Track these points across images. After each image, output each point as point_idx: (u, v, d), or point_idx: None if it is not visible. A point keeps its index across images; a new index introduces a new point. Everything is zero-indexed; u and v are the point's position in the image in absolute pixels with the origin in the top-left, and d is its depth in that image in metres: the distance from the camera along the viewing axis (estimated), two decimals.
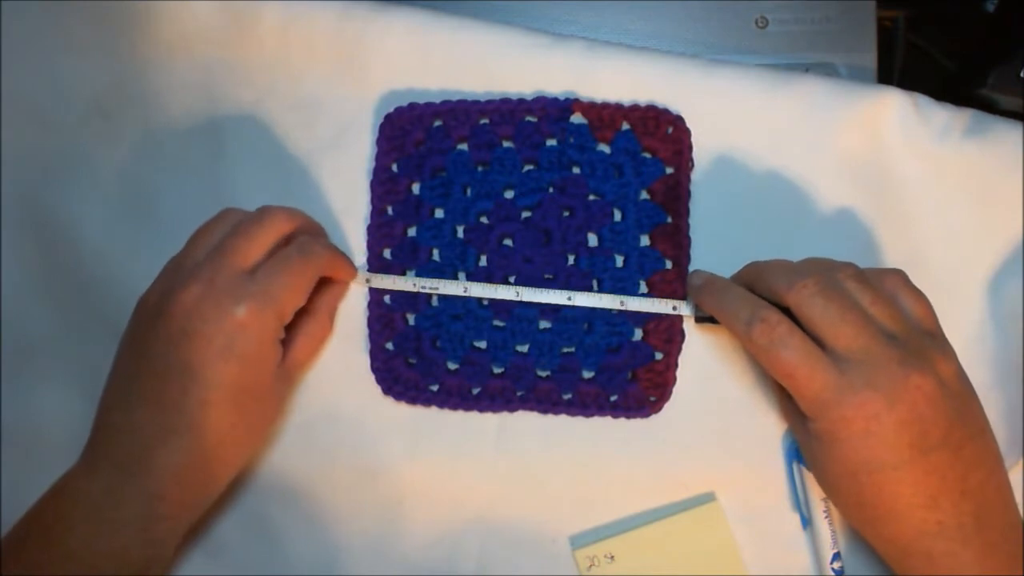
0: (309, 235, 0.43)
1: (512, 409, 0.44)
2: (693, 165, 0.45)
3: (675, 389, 0.44)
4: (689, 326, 0.44)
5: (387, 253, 0.45)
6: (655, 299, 0.44)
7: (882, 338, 0.35)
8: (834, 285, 0.37)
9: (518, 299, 0.44)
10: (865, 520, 0.37)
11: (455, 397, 0.44)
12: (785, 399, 0.41)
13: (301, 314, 0.41)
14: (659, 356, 0.44)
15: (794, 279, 0.37)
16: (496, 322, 0.45)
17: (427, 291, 0.44)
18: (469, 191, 0.45)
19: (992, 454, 0.37)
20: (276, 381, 0.40)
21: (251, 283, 0.38)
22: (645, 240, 0.45)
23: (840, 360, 0.35)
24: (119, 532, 0.36)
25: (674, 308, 0.44)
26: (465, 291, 0.44)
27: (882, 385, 0.35)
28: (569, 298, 0.44)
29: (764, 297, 0.39)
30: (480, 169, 0.45)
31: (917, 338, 0.36)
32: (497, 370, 0.45)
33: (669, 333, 0.44)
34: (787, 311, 0.37)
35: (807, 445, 0.38)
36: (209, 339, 0.37)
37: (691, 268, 0.45)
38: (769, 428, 0.44)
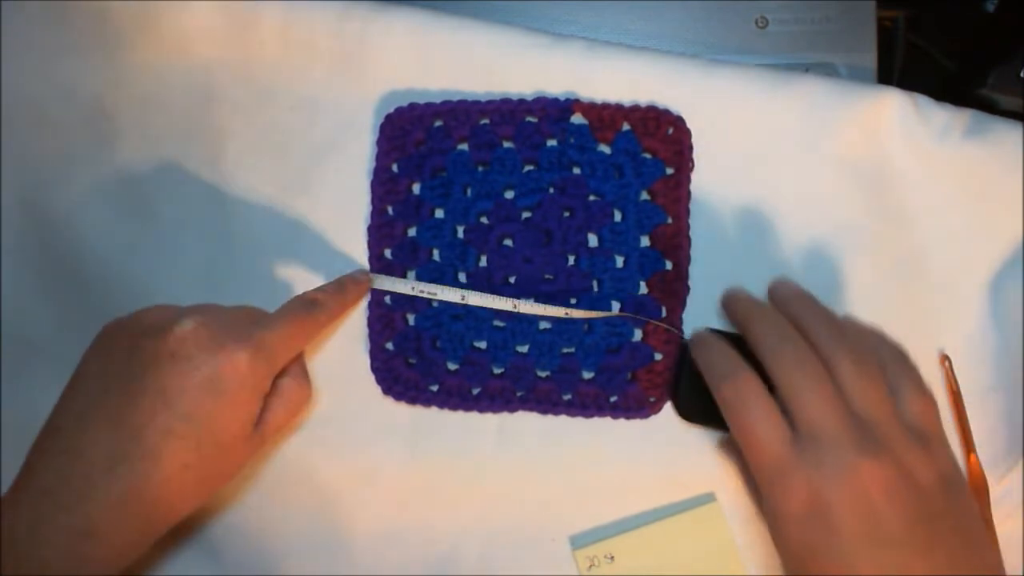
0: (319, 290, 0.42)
1: (512, 409, 0.44)
2: (693, 165, 0.45)
3: None
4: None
5: (388, 253, 0.45)
6: (655, 320, 0.44)
7: (845, 418, 0.34)
8: (814, 355, 0.36)
9: (515, 311, 0.44)
10: None
11: (455, 397, 0.44)
12: (747, 471, 0.39)
13: (278, 376, 0.39)
14: (659, 357, 0.44)
15: (775, 340, 0.36)
16: (496, 322, 0.45)
17: (425, 296, 0.44)
18: (469, 191, 0.45)
19: (982, 565, 0.34)
20: (245, 441, 0.38)
21: (253, 328, 0.37)
22: (645, 241, 0.45)
23: (797, 433, 0.34)
24: (41, 571, 0.33)
25: (668, 328, 0.44)
26: (463, 299, 0.44)
27: (829, 465, 0.33)
28: (567, 313, 0.44)
29: (751, 343, 0.38)
30: (480, 169, 0.45)
31: (898, 430, 0.34)
32: (497, 370, 0.45)
33: (669, 334, 0.44)
34: None
35: (766, 521, 0.36)
36: (196, 367, 0.35)
37: (691, 268, 0.45)
38: None
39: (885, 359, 0.37)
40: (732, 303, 0.41)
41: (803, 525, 0.33)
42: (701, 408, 0.39)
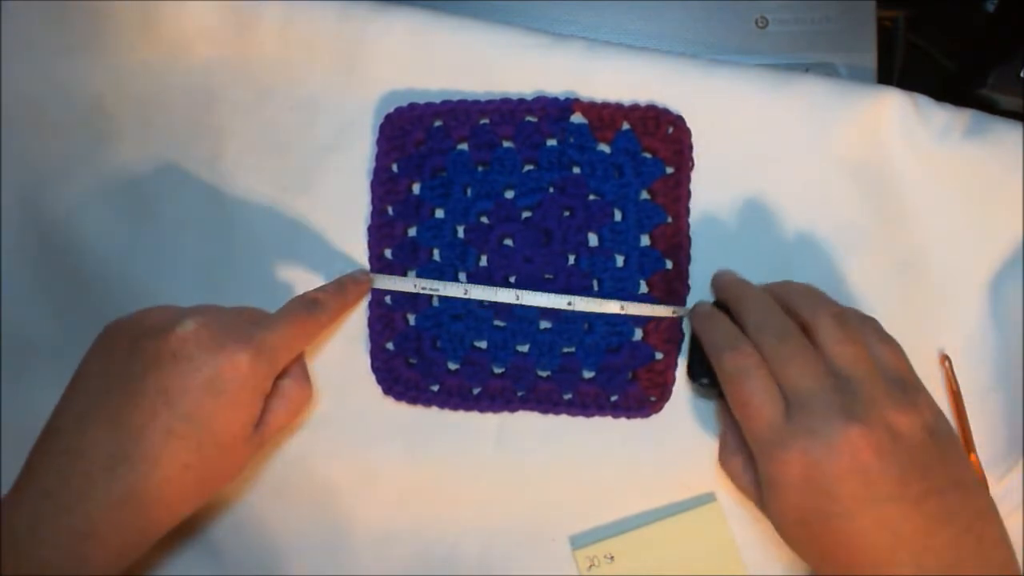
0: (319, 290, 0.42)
1: (512, 409, 0.44)
2: (693, 165, 0.45)
3: (675, 389, 0.44)
4: (689, 326, 0.44)
5: (388, 253, 0.45)
6: (656, 305, 0.44)
7: (829, 383, 0.35)
8: (797, 328, 0.37)
9: (518, 302, 0.44)
10: (825, 569, 0.36)
11: (455, 397, 0.44)
12: (738, 446, 0.40)
13: (278, 377, 0.39)
14: (659, 356, 0.44)
15: (760, 316, 0.38)
16: (496, 322, 0.45)
17: (427, 292, 0.44)
18: (469, 191, 0.45)
19: (972, 509, 0.35)
20: (245, 442, 0.38)
21: (254, 329, 0.37)
22: (645, 240, 0.45)
23: (789, 402, 0.35)
24: (42, 571, 0.33)
25: (674, 312, 0.44)
26: (465, 293, 0.44)
27: (821, 433, 0.34)
28: (569, 303, 0.44)
29: (738, 320, 0.39)
30: (480, 169, 0.45)
31: (882, 387, 0.35)
32: (497, 370, 0.45)
33: (669, 333, 0.44)
34: None
35: (760, 494, 0.37)
36: (197, 368, 0.35)
37: (691, 268, 0.45)
38: None
39: (847, 316, 0.38)
40: (721, 283, 0.43)
41: (801, 492, 0.34)
42: (709, 375, 0.40)
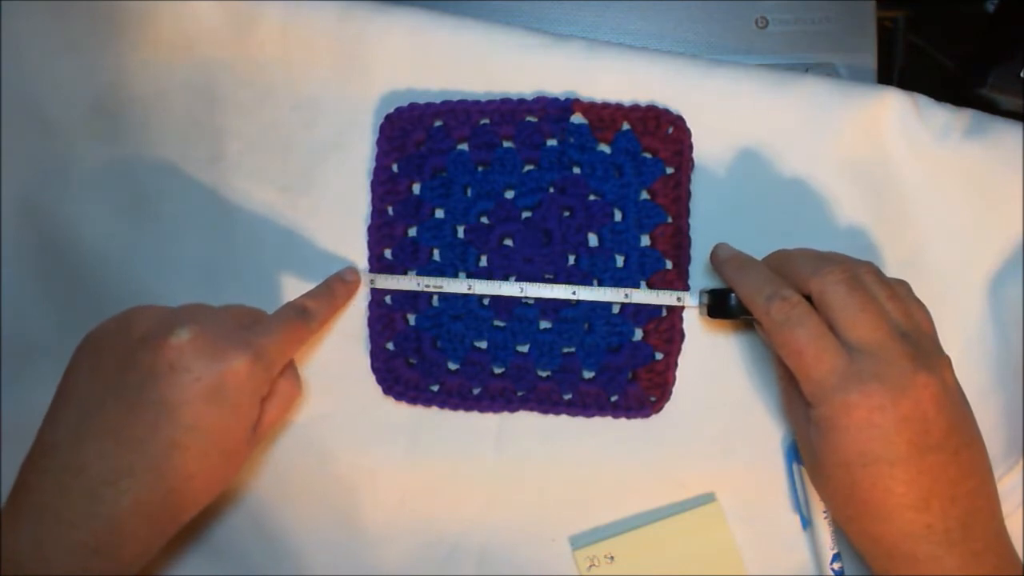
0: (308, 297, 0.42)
1: (512, 409, 0.44)
2: (693, 165, 0.45)
3: (675, 389, 0.44)
4: (689, 326, 0.44)
5: (388, 253, 0.45)
6: (660, 291, 0.44)
7: (896, 335, 0.36)
8: (857, 277, 0.37)
9: (522, 295, 0.44)
10: (853, 516, 0.37)
11: (455, 397, 0.44)
12: (789, 387, 0.40)
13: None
14: (659, 356, 0.44)
15: (820, 266, 0.38)
16: (497, 322, 0.45)
17: (431, 290, 0.44)
18: (469, 191, 0.45)
19: (984, 464, 0.37)
20: (245, 444, 0.38)
21: (250, 335, 0.37)
22: (645, 240, 0.45)
23: (852, 349, 0.36)
24: None
25: (678, 299, 0.44)
26: (469, 288, 0.44)
27: (890, 378, 0.35)
28: (574, 292, 0.44)
29: (742, 296, 0.40)
30: (480, 169, 0.45)
31: (926, 341, 0.37)
32: (497, 370, 0.45)
33: (669, 333, 0.44)
34: (808, 300, 0.38)
35: (805, 435, 0.38)
36: (197, 378, 0.35)
37: (691, 268, 0.45)
38: (769, 428, 0.44)
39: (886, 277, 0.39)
40: (721, 259, 0.42)
41: (858, 436, 0.35)
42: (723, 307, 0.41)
